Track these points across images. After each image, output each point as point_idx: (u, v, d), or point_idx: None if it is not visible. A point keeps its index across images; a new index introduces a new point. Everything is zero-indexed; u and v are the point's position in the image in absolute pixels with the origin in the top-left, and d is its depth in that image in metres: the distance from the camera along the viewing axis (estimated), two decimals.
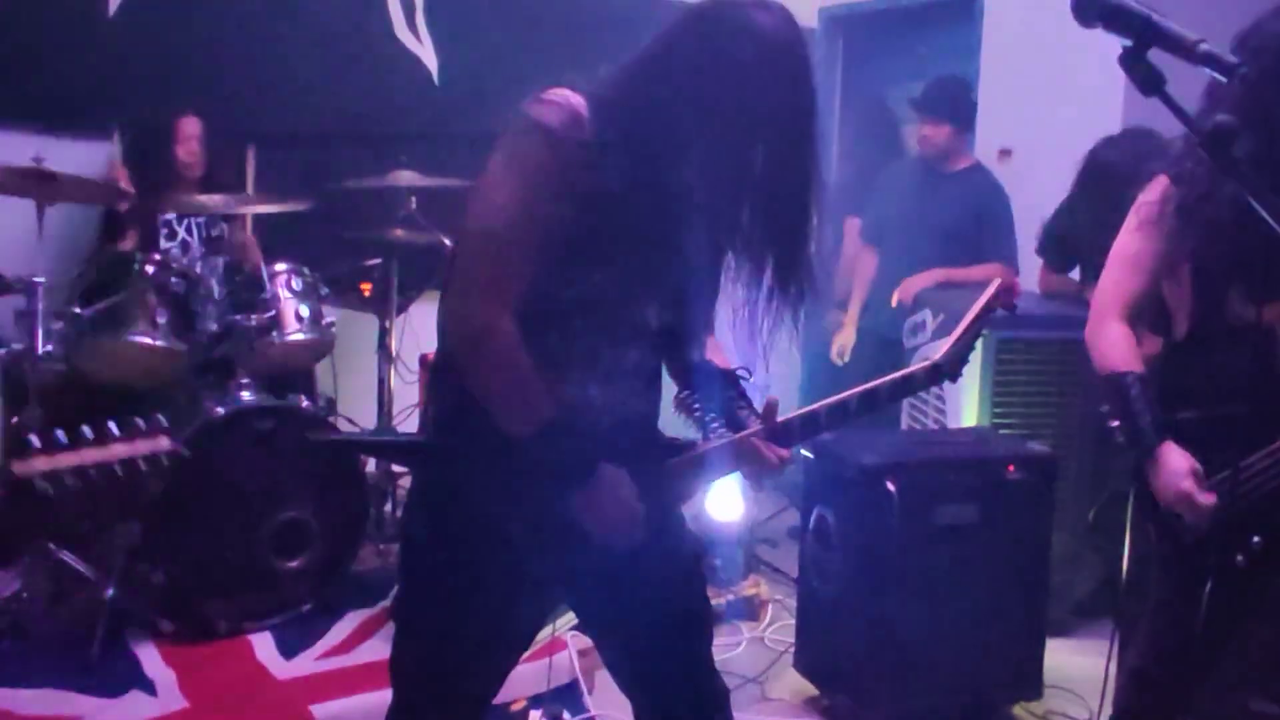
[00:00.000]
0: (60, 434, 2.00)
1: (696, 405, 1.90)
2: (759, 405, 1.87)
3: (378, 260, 4.19)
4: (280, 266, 3.79)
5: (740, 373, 1.92)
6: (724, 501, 4.06)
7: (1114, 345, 2.14)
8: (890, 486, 2.99)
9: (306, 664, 3.21)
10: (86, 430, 2.02)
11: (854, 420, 1.85)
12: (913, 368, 1.90)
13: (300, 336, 3.77)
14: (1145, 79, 1.23)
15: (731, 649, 3.66)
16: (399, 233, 4.05)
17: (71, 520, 3.33)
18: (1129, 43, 1.24)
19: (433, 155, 4.29)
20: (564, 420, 1.67)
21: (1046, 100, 4.79)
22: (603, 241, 1.66)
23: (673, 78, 1.63)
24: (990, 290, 1.92)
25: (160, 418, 2.10)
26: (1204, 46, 1.21)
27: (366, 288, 4.27)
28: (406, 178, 4.10)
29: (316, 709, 2.92)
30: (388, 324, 4.20)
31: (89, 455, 1.98)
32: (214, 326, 3.61)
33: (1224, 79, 1.22)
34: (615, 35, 1.75)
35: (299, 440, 3.46)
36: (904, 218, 4.51)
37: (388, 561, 3.78)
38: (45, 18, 4.09)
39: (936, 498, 3.08)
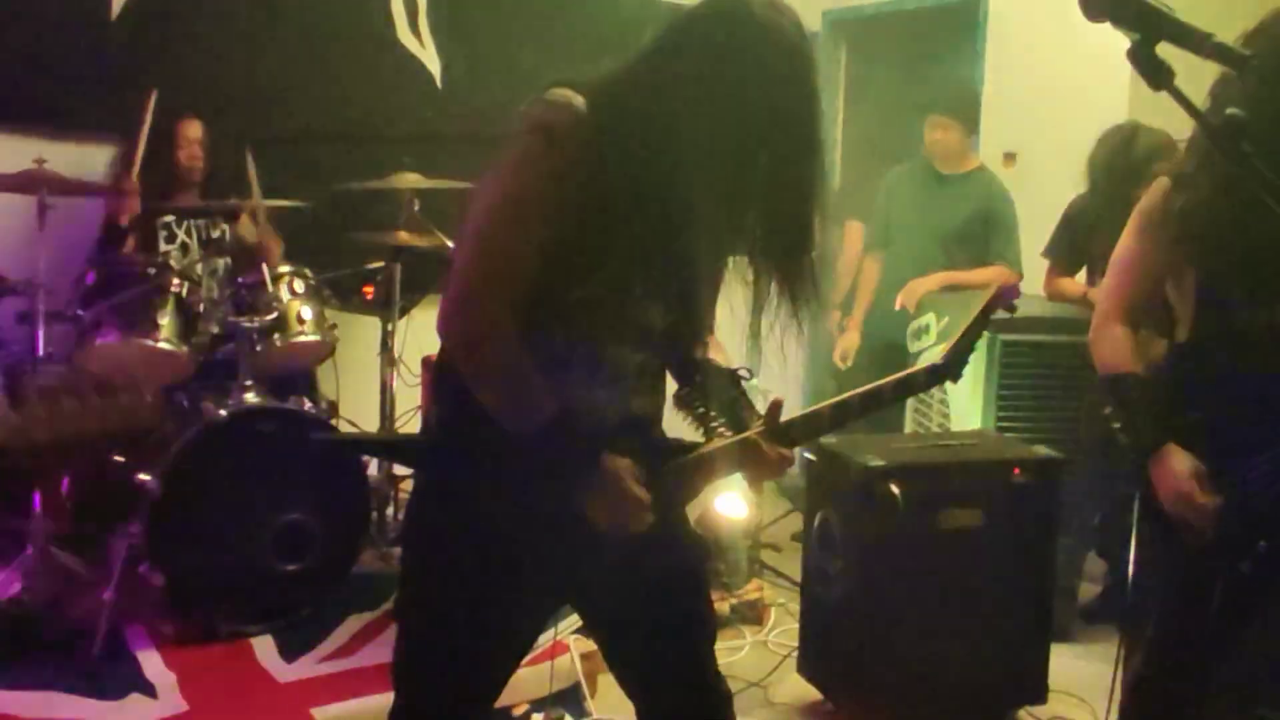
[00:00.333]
0: None
1: (699, 404, 1.89)
2: (761, 406, 1.86)
3: (380, 263, 4.18)
4: (283, 269, 3.79)
5: (741, 373, 1.91)
6: (728, 503, 4.05)
7: (1115, 347, 2.14)
8: (894, 490, 2.97)
9: (308, 667, 3.20)
10: None
11: (856, 420, 1.84)
12: (914, 369, 1.89)
13: (302, 339, 3.77)
14: (1154, 72, 1.22)
15: (735, 653, 3.65)
16: (401, 235, 4.05)
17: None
18: (1137, 37, 1.23)
19: (435, 157, 4.28)
20: (565, 418, 1.66)
21: (1051, 104, 4.79)
22: (605, 242, 1.65)
23: (675, 77, 1.62)
24: (991, 292, 1.91)
25: None
26: (1214, 39, 1.20)
27: (369, 290, 4.27)
28: (409, 180, 4.09)
29: (318, 712, 2.92)
30: (390, 327, 4.20)
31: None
32: (216, 329, 3.60)
33: (1235, 71, 1.21)
34: (617, 38, 1.73)
35: (301, 443, 3.45)
36: (909, 221, 4.50)
37: (390, 564, 3.77)
38: (47, 19, 4.09)
39: (941, 501, 3.06)
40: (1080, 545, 3.92)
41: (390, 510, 4.20)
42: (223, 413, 3.39)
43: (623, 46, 1.72)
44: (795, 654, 3.46)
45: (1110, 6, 1.25)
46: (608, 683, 2.60)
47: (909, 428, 4.12)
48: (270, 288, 3.66)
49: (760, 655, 3.67)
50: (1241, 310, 2.02)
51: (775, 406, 1.79)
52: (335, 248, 4.25)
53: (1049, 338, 3.75)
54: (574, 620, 2.85)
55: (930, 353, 3.89)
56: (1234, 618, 2.07)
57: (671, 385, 1.93)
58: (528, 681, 2.96)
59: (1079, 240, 3.88)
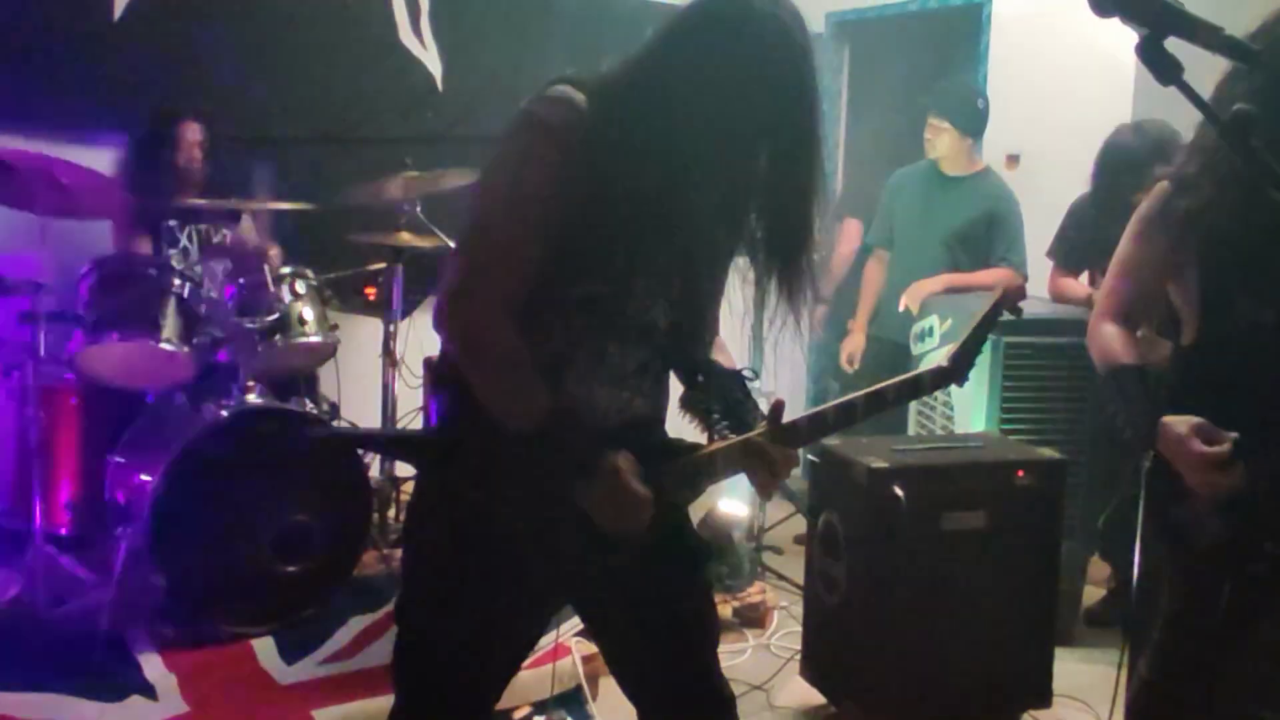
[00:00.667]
0: None
1: (703, 406, 1.88)
2: (764, 408, 1.84)
3: (382, 264, 4.18)
4: (285, 270, 3.79)
5: (745, 373, 1.90)
6: (731, 503, 4.05)
7: (1109, 342, 2.14)
8: (898, 492, 2.96)
9: (309, 669, 3.19)
10: None
11: (861, 421, 1.82)
12: (920, 370, 1.88)
13: (304, 340, 3.76)
14: (1163, 68, 1.21)
15: (737, 656, 3.64)
16: (403, 236, 4.04)
17: None
18: (1145, 32, 1.22)
19: (437, 159, 4.28)
20: (564, 414, 1.64)
21: (1054, 106, 4.78)
22: (605, 239, 1.64)
23: (674, 74, 1.62)
24: (997, 293, 1.90)
25: None
26: (1225, 33, 1.19)
27: (371, 291, 4.27)
28: (411, 182, 4.09)
29: (319, 714, 2.91)
30: (392, 328, 4.19)
31: None
32: (218, 330, 3.60)
33: (1245, 66, 1.20)
34: (619, 41, 1.72)
35: (302, 444, 3.44)
36: (913, 223, 4.49)
37: (391, 566, 3.76)
38: (49, 20, 4.09)
39: (945, 504, 3.05)
40: (1084, 548, 3.91)
41: (392, 512, 4.19)
42: (224, 414, 3.38)
43: (625, 49, 1.72)
44: (798, 657, 3.45)
45: (1119, 1, 1.24)
46: (609, 685, 2.59)
47: (912, 430, 4.11)
48: (272, 289, 3.66)
49: (762, 658, 3.66)
50: (1246, 311, 2.00)
51: (778, 407, 1.78)
52: (337, 249, 4.24)
53: (1053, 339, 3.74)
54: (576, 622, 2.84)
55: (933, 355, 3.88)
56: (1241, 621, 2.06)
57: (676, 387, 1.92)
58: (529, 684, 2.95)
59: (1082, 241, 3.88)
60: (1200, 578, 2.07)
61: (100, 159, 4.15)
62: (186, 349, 3.50)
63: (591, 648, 3.02)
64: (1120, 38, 1.27)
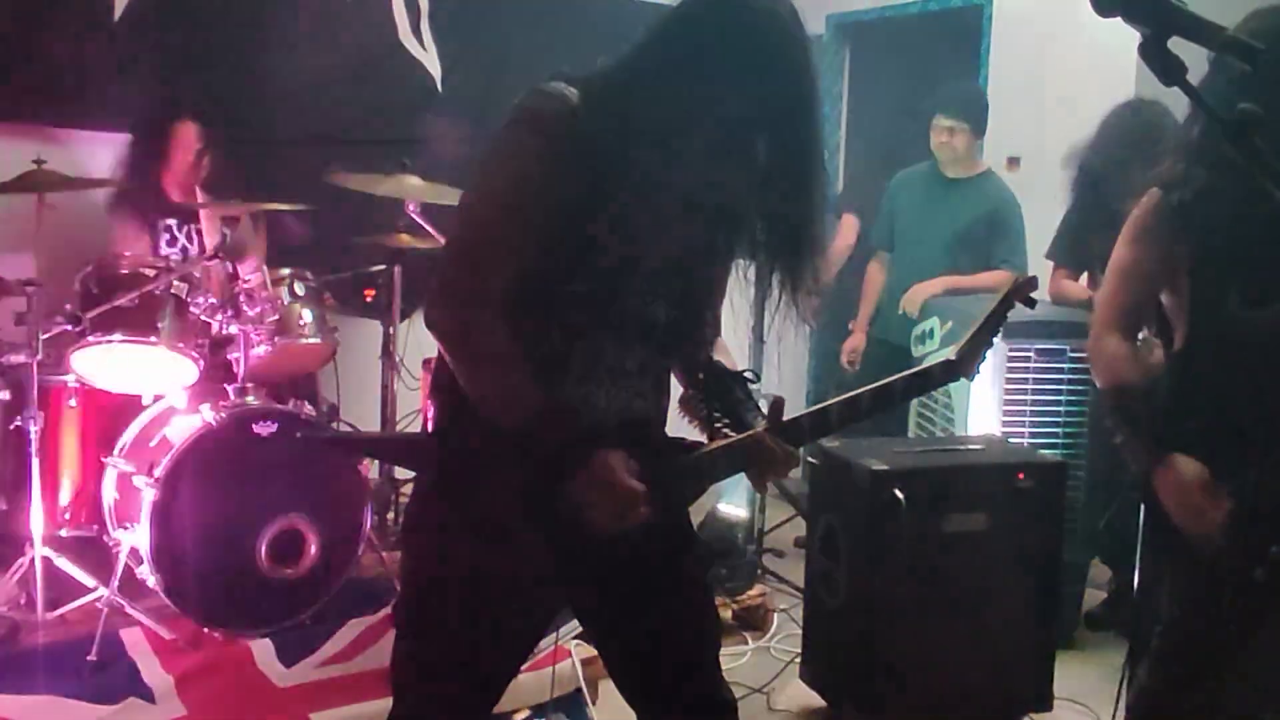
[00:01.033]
0: None
1: (703, 406, 1.87)
2: (764, 409, 1.83)
3: (381, 266, 4.17)
4: (284, 271, 3.78)
5: (747, 375, 1.89)
6: (731, 505, 4.04)
7: (1113, 359, 2.13)
8: (899, 494, 2.95)
9: (306, 672, 3.18)
10: None
11: (865, 418, 1.81)
12: (927, 364, 1.87)
13: (303, 342, 3.76)
14: (1166, 68, 1.20)
15: (737, 658, 3.63)
16: (402, 238, 4.03)
17: None
18: (1148, 32, 1.21)
19: (436, 161, 4.27)
20: (557, 412, 1.63)
21: (1054, 108, 4.77)
22: (600, 235, 1.64)
23: (670, 69, 1.61)
24: (1008, 286, 1.89)
25: None
26: (1228, 32, 1.18)
27: (370, 293, 4.26)
28: (410, 183, 4.08)
29: (316, 717, 2.90)
30: (391, 330, 4.18)
31: None
32: (216, 331, 3.59)
33: (1248, 66, 1.19)
34: (619, 41, 1.72)
35: (301, 446, 3.43)
36: (914, 225, 4.49)
37: (389, 569, 3.74)
38: (50, 20, 4.08)
39: (945, 506, 3.05)
40: (1085, 551, 3.90)
41: (390, 514, 4.18)
42: (222, 415, 3.37)
43: (625, 49, 1.71)
44: (798, 660, 3.44)
45: (1122, 1, 1.23)
46: (609, 688, 2.58)
47: (913, 432, 4.11)
48: (271, 290, 3.65)
49: (763, 661, 3.65)
50: (1237, 311, 2.00)
51: (778, 404, 1.77)
52: (336, 251, 4.23)
53: (1054, 342, 3.73)
54: (575, 625, 2.83)
55: (934, 357, 3.86)
56: (1243, 625, 2.05)
57: (676, 388, 1.91)
58: (528, 687, 2.94)
59: (1081, 241, 3.87)
60: (1201, 582, 2.06)
61: (99, 159, 4.15)
62: (185, 350, 3.49)
63: (591, 651, 3.01)
64: (1121, 39, 1.26)
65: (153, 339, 3.43)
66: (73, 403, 3.61)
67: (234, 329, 3.56)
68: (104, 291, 3.45)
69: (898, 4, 5.70)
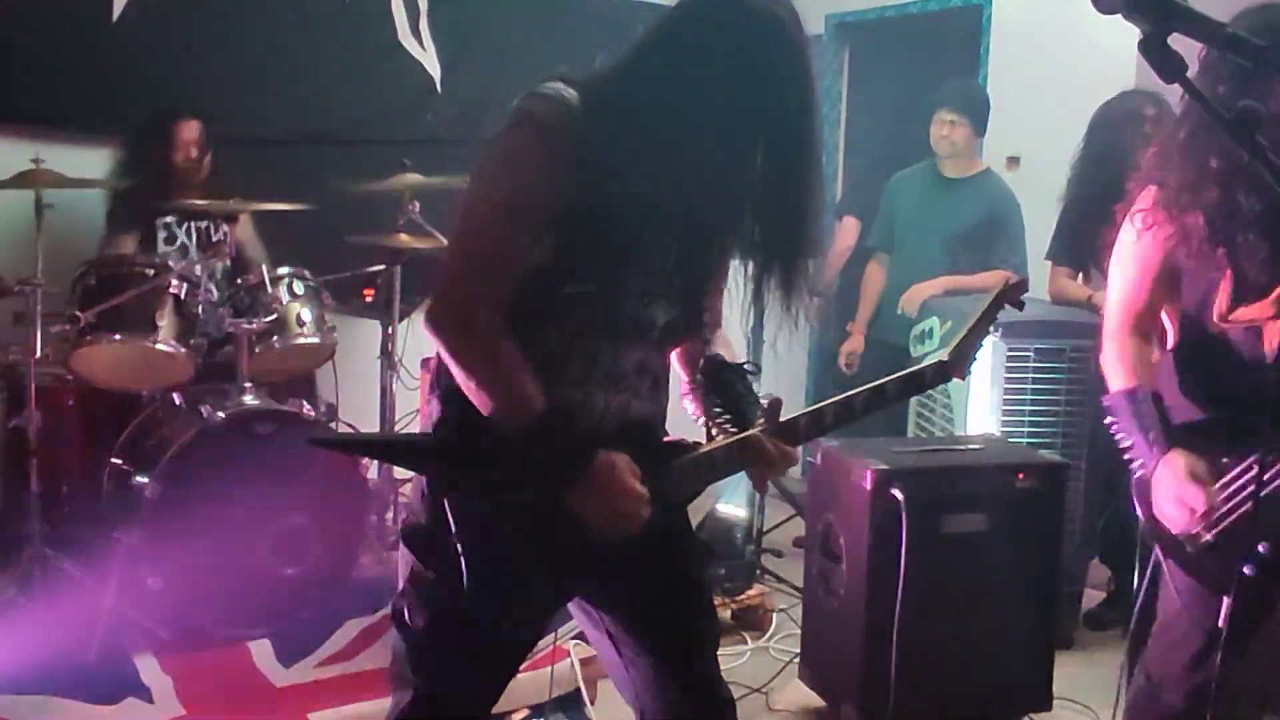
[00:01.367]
0: None
1: (704, 398, 1.87)
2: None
3: (380, 265, 4.17)
4: (282, 271, 3.77)
5: (747, 367, 1.88)
6: (730, 505, 4.04)
7: (1121, 362, 2.13)
8: (898, 495, 2.95)
9: (305, 672, 3.18)
10: None
11: (861, 418, 1.81)
12: (920, 365, 1.87)
13: (302, 341, 3.75)
14: (1166, 65, 1.20)
15: (736, 658, 3.62)
16: (402, 238, 4.03)
17: None
18: (1148, 29, 1.21)
19: (436, 160, 4.27)
20: (558, 414, 1.63)
21: (1054, 108, 4.77)
22: (599, 237, 1.63)
23: (668, 69, 1.61)
24: (999, 287, 1.89)
25: None
26: (1228, 29, 1.18)
27: (369, 293, 4.26)
28: (409, 183, 4.08)
29: (315, 717, 2.90)
30: (390, 329, 4.18)
31: None
32: (214, 330, 3.58)
33: (1249, 64, 1.19)
34: (619, 42, 1.71)
35: (299, 445, 3.43)
36: (914, 225, 4.48)
37: (388, 569, 3.74)
38: (50, 20, 4.08)
39: (944, 506, 3.04)
40: (1084, 551, 3.90)
41: (389, 514, 4.18)
42: (221, 415, 3.37)
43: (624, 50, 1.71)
44: (797, 660, 3.44)
45: None
46: (607, 688, 2.58)
47: (912, 432, 4.10)
48: (270, 290, 3.65)
49: (762, 661, 3.65)
50: (1224, 308, 1.99)
51: (775, 404, 1.77)
52: (335, 250, 4.23)
53: (1053, 342, 3.73)
54: (573, 625, 2.82)
55: (932, 358, 3.86)
56: (1239, 624, 2.04)
57: (676, 389, 1.91)
58: (527, 687, 2.94)
59: (1079, 238, 3.88)
60: (1197, 581, 2.06)
61: (98, 158, 4.14)
62: (184, 350, 3.49)
63: (590, 650, 3.00)
64: (1121, 38, 1.26)
65: (151, 338, 3.43)
66: (71, 402, 3.61)
67: (233, 328, 3.56)
68: (103, 290, 3.45)
69: (898, 4, 5.69)
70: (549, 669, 2.81)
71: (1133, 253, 2.12)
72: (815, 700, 3.33)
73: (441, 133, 4.89)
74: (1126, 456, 2.14)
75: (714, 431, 1.83)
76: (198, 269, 3.60)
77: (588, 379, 1.72)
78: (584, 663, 3.13)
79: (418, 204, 4.11)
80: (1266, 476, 1.94)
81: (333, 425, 3.95)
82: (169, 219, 4.05)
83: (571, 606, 1.92)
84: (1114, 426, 2.15)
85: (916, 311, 4.22)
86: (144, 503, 3.22)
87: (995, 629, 3.10)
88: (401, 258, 4.10)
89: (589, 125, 1.59)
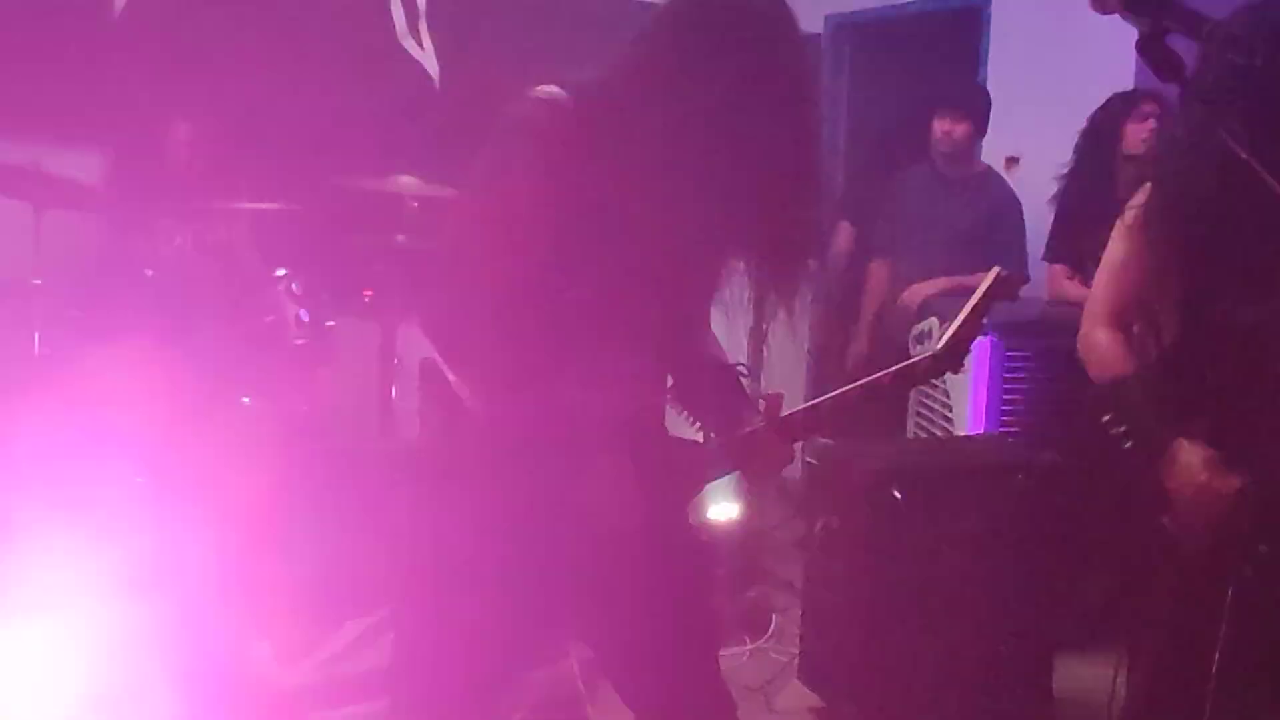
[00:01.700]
0: None
1: (699, 399, 1.87)
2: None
3: (380, 266, 4.16)
4: (281, 272, 3.77)
5: (740, 369, 1.88)
6: (721, 505, 4.03)
7: (1105, 351, 2.13)
8: (897, 495, 2.95)
9: (305, 673, 3.17)
10: None
11: (856, 412, 1.82)
12: (913, 359, 1.88)
13: (301, 342, 3.75)
14: (1164, 65, 1.20)
15: (736, 659, 3.62)
16: (401, 239, 4.03)
17: None
18: (1146, 29, 1.21)
19: (435, 161, 4.27)
20: (556, 420, 1.63)
21: (1054, 108, 4.77)
22: (594, 240, 1.63)
23: (661, 69, 1.60)
24: (989, 279, 1.89)
25: None
26: (1223, 27, 1.18)
27: (368, 293, 4.25)
28: (408, 183, 4.07)
29: (316, 717, 2.89)
30: (389, 330, 4.18)
31: None
32: (214, 331, 3.58)
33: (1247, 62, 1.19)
34: (620, 42, 1.71)
35: (300, 446, 3.43)
36: (915, 226, 4.47)
37: (388, 570, 3.74)
38: (49, 19, 4.08)
39: (944, 507, 3.04)
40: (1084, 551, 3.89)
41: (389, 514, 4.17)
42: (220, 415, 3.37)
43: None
44: (796, 661, 3.43)
45: None
46: (607, 690, 2.57)
47: (911, 432, 4.10)
48: (269, 290, 3.65)
49: (761, 662, 3.65)
50: (1228, 308, 1.99)
51: (775, 400, 1.77)
52: (334, 251, 4.23)
53: (1053, 341, 3.73)
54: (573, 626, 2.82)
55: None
56: (1237, 624, 2.04)
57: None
58: (526, 688, 2.94)
59: (1077, 235, 3.88)
60: (1194, 581, 2.05)
61: (98, 158, 4.14)
62: (183, 350, 3.49)
63: (590, 652, 3.00)
64: (1120, 39, 1.26)
65: (151, 339, 3.43)
66: (72, 402, 3.60)
67: (231, 328, 3.56)
68: (103, 292, 3.45)
69: (898, 4, 5.69)
70: (549, 670, 2.81)
71: (1123, 245, 2.12)
72: (815, 701, 3.33)
73: (441, 133, 4.88)
74: (1125, 446, 2.12)
75: (709, 434, 1.83)
76: (197, 270, 3.60)
77: (587, 380, 1.72)
78: (584, 664, 3.13)
79: (417, 204, 4.11)
80: None
81: (332, 426, 3.95)
82: (167, 220, 4.04)
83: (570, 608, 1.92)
84: (1108, 418, 2.14)
85: (916, 311, 4.23)
86: (148, 503, 3.22)
87: (994, 629, 3.10)
88: (401, 258, 4.09)
89: (583, 129, 1.59)
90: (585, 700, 3.13)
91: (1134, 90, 3.83)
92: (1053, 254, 4.05)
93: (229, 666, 3.16)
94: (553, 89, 1.63)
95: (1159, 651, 2.16)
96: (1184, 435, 2.02)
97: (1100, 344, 2.13)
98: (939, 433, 3.94)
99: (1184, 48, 1.29)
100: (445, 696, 1.80)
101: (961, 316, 1.86)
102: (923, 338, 4.11)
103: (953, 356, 1.86)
